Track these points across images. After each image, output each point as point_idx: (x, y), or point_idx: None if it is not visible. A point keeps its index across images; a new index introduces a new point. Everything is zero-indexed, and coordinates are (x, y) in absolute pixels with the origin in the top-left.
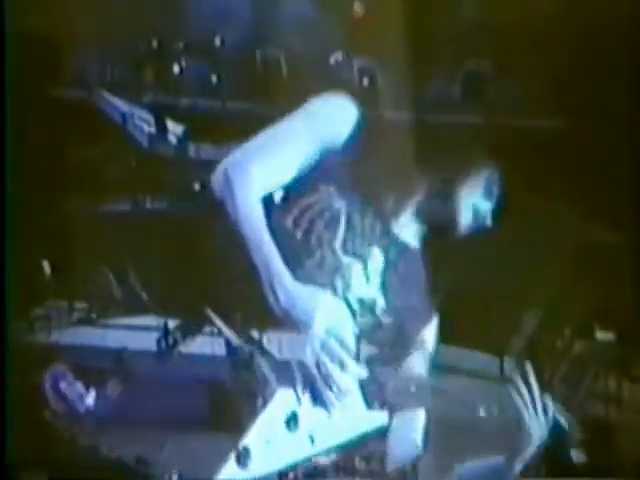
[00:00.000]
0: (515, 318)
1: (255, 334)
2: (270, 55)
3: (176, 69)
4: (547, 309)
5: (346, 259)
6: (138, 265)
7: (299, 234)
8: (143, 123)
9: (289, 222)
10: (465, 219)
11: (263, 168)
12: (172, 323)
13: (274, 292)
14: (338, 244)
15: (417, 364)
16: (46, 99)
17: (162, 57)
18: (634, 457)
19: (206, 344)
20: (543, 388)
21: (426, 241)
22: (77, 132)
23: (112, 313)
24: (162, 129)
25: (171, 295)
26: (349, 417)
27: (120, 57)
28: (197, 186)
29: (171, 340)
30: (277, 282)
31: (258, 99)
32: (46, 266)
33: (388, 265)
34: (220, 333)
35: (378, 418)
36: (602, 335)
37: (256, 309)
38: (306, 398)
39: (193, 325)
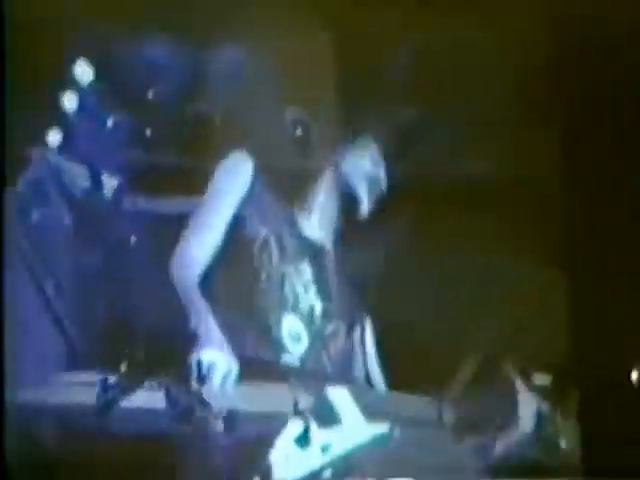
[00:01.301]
0: (453, 362)
1: (194, 385)
2: (202, 109)
3: (110, 123)
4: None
5: (286, 272)
6: (76, 319)
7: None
8: (78, 177)
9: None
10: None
11: (200, 251)
12: (112, 378)
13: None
14: (275, 262)
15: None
16: None
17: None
18: None
19: (146, 398)
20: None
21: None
22: None
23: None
24: (97, 182)
25: (109, 349)
26: (351, 429)
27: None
28: (133, 239)
29: (111, 395)
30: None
31: (192, 152)
32: None
33: (316, 272)
34: (160, 386)
35: (378, 428)
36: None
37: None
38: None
39: (132, 379)
